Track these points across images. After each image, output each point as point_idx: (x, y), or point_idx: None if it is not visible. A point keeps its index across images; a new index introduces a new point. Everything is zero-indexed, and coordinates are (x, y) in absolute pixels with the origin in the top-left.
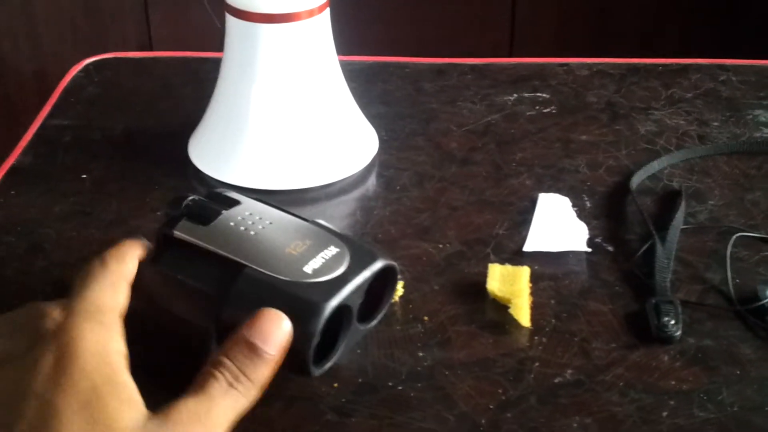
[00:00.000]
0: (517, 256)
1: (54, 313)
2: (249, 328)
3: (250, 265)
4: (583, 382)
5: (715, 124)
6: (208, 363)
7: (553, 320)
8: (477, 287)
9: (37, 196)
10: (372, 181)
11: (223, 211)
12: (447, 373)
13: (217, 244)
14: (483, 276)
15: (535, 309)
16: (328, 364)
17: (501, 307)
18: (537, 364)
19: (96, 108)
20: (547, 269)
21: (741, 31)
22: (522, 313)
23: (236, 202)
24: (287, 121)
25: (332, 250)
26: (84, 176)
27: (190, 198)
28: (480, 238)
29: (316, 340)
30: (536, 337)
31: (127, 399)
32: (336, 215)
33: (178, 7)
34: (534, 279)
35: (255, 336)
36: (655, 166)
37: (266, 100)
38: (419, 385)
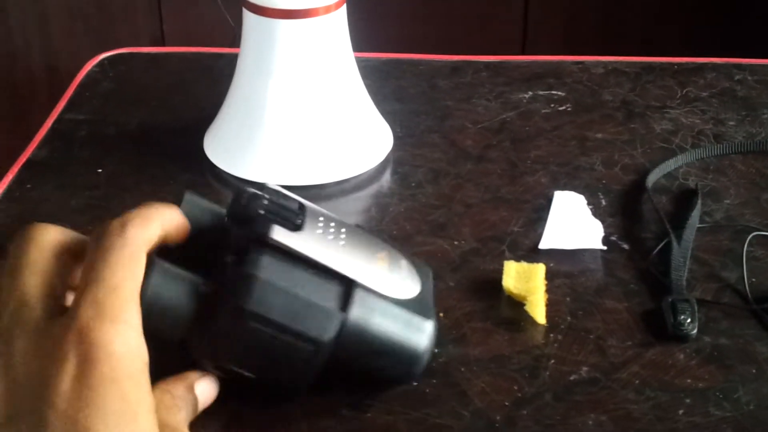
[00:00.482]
0: (533, 254)
1: (70, 305)
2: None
3: (359, 281)
4: (599, 380)
5: (731, 123)
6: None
7: (569, 318)
8: (493, 284)
9: (52, 190)
10: (387, 178)
11: (303, 217)
12: (462, 369)
13: (314, 252)
14: (498, 273)
15: (551, 306)
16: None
17: (516, 304)
18: (552, 361)
19: (111, 102)
20: (563, 267)
21: (757, 30)
22: (537, 310)
23: (300, 205)
24: (303, 117)
25: (403, 263)
26: (99, 170)
27: (264, 195)
28: (495, 235)
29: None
30: (552, 335)
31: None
32: (351, 211)
33: (189, 2)
34: (549, 276)
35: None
36: (670, 165)
37: (282, 95)
38: (434, 381)
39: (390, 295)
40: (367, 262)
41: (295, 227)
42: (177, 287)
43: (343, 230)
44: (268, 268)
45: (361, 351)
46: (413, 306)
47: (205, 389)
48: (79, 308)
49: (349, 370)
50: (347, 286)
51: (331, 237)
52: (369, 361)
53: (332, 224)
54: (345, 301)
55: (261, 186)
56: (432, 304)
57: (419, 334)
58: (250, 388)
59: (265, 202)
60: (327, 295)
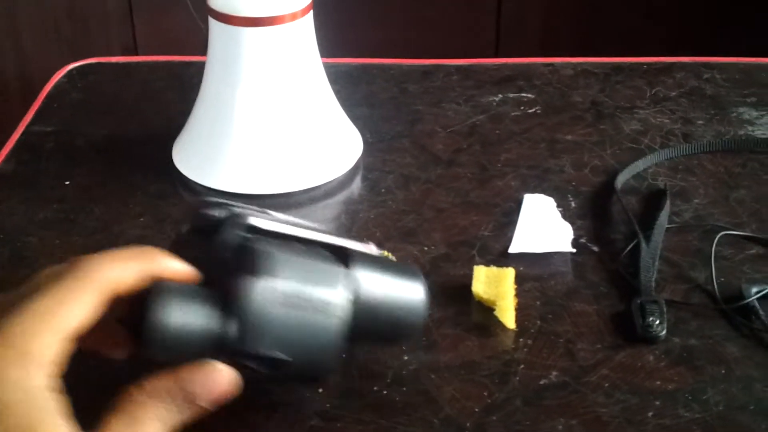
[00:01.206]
0: (503, 258)
1: None
2: (191, 378)
3: (349, 247)
4: (569, 384)
5: (700, 122)
6: (137, 388)
7: (539, 322)
8: (463, 290)
9: (19, 203)
10: (357, 184)
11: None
12: (433, 376)
13: (302, 232)
14: (468, 278)
15: (521, 311)
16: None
17: (486, 309)
18: (522, 366)
19: (79, 113)
20: (533, 270)
21: (727, 29)
22: (507, 315)
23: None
24: (271, 125)
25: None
26: (67, 182)
27: (221, 202)
28: (465, 240)
29: None
30: (521, 339)
31: None
32: (321, 219)
33: (162, 10)
34: (519, 280)
35: (197, 388)
36: (639, 166)
37: (250, 103)
38: (404, 389)
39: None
40: (342, 239)
41: (267, 216)
42: (188, 304)
43: (304, 222)
44: (272, 245)
45: (376, 308)
46: (398, 263)
47: (219, 377)
48: None
49: (368, 336)
50: (341, 253)
51: (300, 223)
52: (385, 317)
53: (289, 219)
54: (347, 263)
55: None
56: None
57: (417, 281)
58: (280, 382)
59: (225, 209)
60: (331, 260)
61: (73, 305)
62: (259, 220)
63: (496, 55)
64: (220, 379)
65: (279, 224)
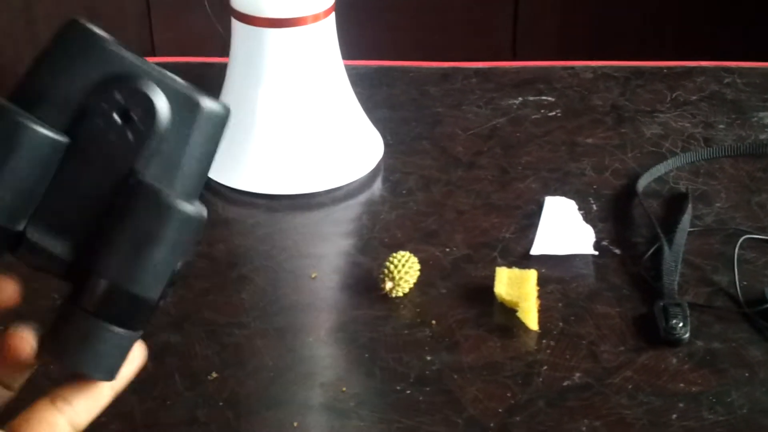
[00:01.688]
0: (524, 260)
1: None
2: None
3: None
4: (592, 386)
5: (721, 126)
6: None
7: (561, 323)
8: (484, 291)
9: None
10: (378, 185)
11: None
12: (455, 376)
13: None
14: (490, 279)
15: (543, 312)
16: None
17: (509, 310)
18: (545, 367)
19: None
20: (555, 272)
21: (744, 34)
22: (530, 316)
23: None
24: (293, 126)
25: None
26: None
27: None
28: (487, 241)
29: None
30: (544, 341)
31: None
32: (342, 219)
33: (180, 12)
34: (541, 282)
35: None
36: (661, 169)
37: (272, 104)
38: (428, 389)
39: None
40: None
41: None
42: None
43: None
44: None
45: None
46: None
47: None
48: None
49: None
50: None
51: None
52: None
53: None
54: None
55: None
56: None
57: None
58: None
59: None
60: None
61: None
62: None
63: (514, 58)
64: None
65: None
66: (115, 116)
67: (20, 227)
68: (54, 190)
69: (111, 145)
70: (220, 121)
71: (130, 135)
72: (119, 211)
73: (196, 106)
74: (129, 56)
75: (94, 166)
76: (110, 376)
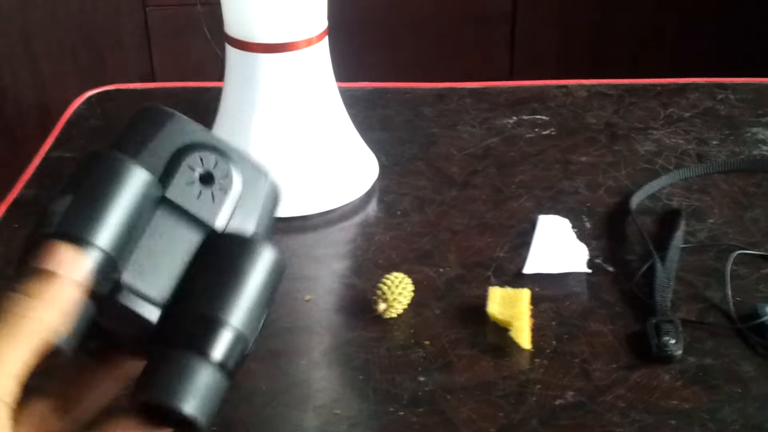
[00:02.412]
0: (518, 279)
1: None
2: None
3: None
4: (584, 404)
5: (714, 142)
6: None
7: (554, 342)
8: (478, 310)
9: None
10: (373, 207)
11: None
12: (448, 397)
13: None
14: (484, 299)
15: (536, 331)
16: None
17: (502, 330)
18: (538, 386)
19: (98, 139)
20: (548, 291)
21: (739, 49)
22: (522, 335)
23: None
24: (288, 149)
25: None
26: None
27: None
28: (480, 261)
29: None
30: (537, 360)
31: None
32: (337, 241)
33: (178, 36)
34: (534, 301)
35: None
36: (654, 186)
37: (267, 128)
38: (421, 410)
39: None
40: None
41: None
42: None
43: None
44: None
45: None
46: None
47: None
48: None
49: None
50: None
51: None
52: None
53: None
54: None
55: None
56: None
57: None
58: None
59: None
60: None
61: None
62: None
63: (511, 78)
64: None
65: None
66: (198, 177)
67: (118, 276)
68: (146, 240)
69: (196, 202)
70: (276, 189)
71: (212, 194)
72: (227, 262)
73: (263, 175)
74: (203, 129)
75: (181, 222)
76: (209, 421)
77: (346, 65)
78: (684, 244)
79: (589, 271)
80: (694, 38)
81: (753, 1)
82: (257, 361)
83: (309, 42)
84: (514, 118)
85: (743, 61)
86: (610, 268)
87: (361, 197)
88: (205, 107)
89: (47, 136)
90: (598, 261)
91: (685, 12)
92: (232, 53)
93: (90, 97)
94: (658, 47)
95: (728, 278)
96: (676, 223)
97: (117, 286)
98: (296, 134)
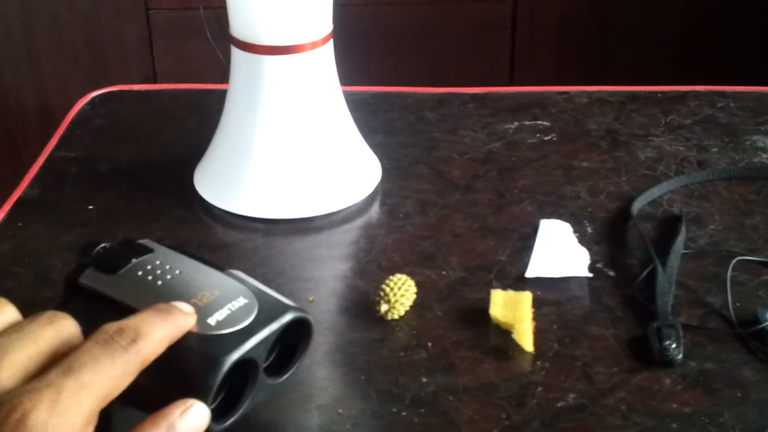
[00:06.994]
0: (520, 282)
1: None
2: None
3: None
4: (586, 407)
5: (714, 149)
6: None
7: (556, 345)
8: (480, 313)
9: (44, 227)
10: (375, 209)
11: (133, 260)
12: (451, 398)
13: (122, 293)
14: (486, 302)
15: (538, 334)
16: (232, 419)
17: (504, 332)
18: (540, 388)
19: (102, 140)
20: (550, 295)
21: (739, 58)
22: (525, 338)
23: (148, 250)
24: (291, 151)
25: (240, 301)
26: (90, 207)
27: (101, 246)
28: (483, 264)
29: (213, 393)
30: (539, 362)
31: None
32: (340, 243)
33: (181, 39)
34: (536, 304)
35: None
36: (655, 192)
37: (271, 130)
38: (423, 410)
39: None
40: (177, 300)
41: (110, 271)
42: None
43: (178, 272)
44: (74, 309)
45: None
46: (215, 341)
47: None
48: (32, 390)
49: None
50: None
51: (150, 278)
52: (157, 387)
53: (167, 267)
54: None
55: (126, 239)
56: (255, 344)
57: (206, 367)
58: None
59: (100, 251)
60: None
61: (118, 385)
62: (91, 277)
63: (510, 84)
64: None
65: (107, 282)
66: None
67: None
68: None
69: None
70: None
71: None
72: None
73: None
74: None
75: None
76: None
77: (348, 70)
78: (685, 249)
79: (591, 275)
80: (694, 46)
81: (754, 9)
82: None
83: (314, 45)
84: (516, 123)
85: (743, 69)
86: (612, 273)
87: (364, 200)
88: (209, 108)
89: (49, 137)
90: (599, 265)
91: (685, 19)
92: (237, 55)
93: (94, 98)
94: (658, 55)
95: (729, 284)
96: (676, 228)
97: None
98: (300, 136)
